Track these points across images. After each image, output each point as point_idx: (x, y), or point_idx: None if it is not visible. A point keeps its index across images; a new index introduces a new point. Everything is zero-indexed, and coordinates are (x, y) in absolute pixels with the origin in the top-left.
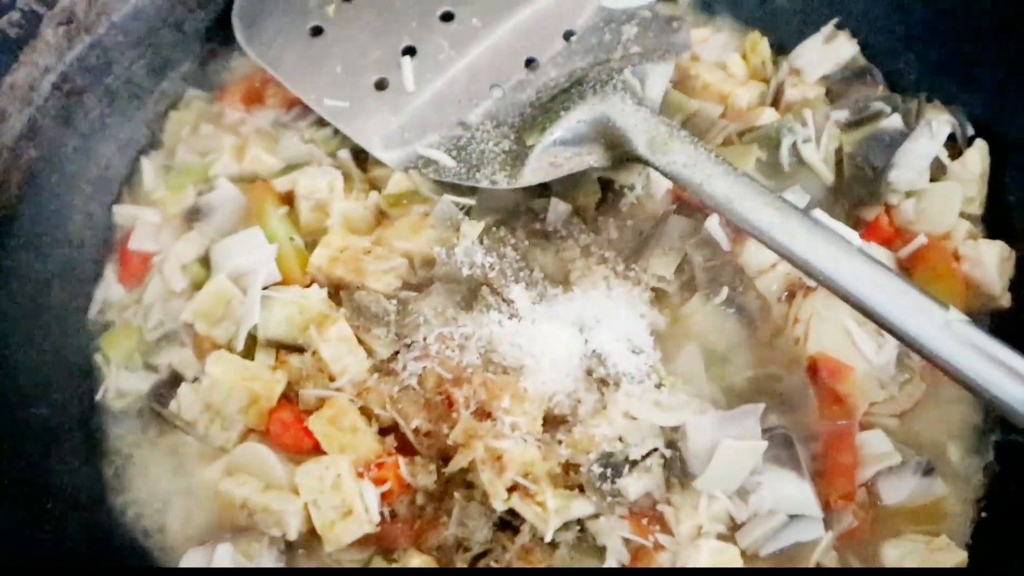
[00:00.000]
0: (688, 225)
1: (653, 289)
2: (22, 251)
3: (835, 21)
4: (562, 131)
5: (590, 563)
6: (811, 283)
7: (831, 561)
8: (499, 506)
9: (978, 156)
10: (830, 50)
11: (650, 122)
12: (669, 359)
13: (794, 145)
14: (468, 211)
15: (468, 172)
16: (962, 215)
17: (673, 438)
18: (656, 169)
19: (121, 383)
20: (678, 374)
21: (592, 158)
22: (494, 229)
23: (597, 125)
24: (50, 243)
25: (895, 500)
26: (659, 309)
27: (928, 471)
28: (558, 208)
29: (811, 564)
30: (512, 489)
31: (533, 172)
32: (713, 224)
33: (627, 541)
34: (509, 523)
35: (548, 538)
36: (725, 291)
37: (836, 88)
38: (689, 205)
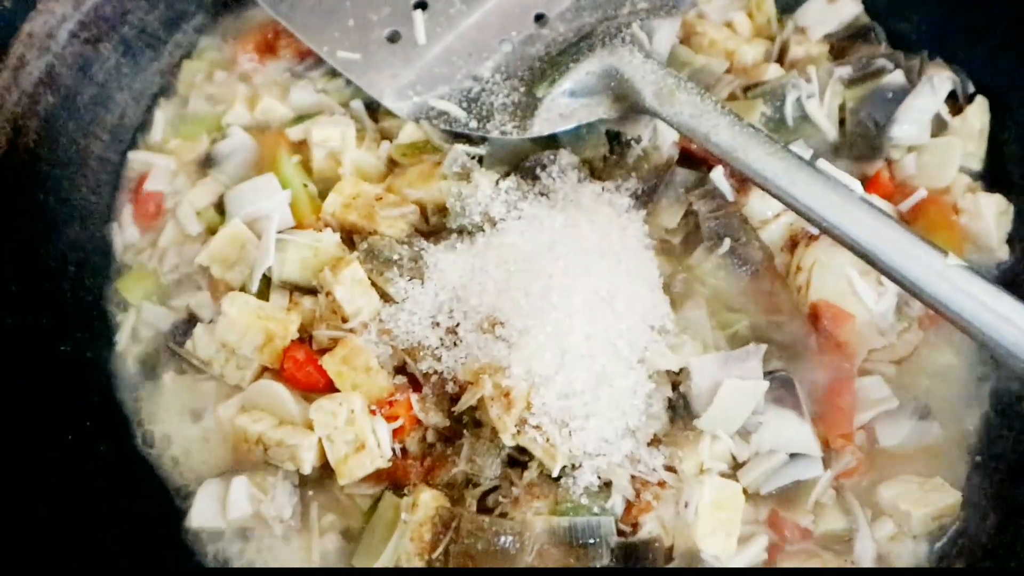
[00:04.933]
0: (693, 177)
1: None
2: (40, 194)
3: None
4: (571, 83)
5: (596, 498)
6: (813, 231)
7: (829, 500)
8: (508, 440)
9: (978, 112)
10: (834, 9)
11: (658, 73)
12: (675, 308)
13: (798, 100)
14: (479, 160)
15: (478, 123)
16: (962, 170)
17: (677, 379)
18: (663, 120)
19: (139, 323)
20: (683, 322)
21: (601, 109)
22: (505, 179)
23: (605, 77)
24: (68, 187)
25: (892, 443)
26: (664, 259)
27: (924, 415)
28: (566, 159)
29: (810, 502)
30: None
31: (543, 123)
32: (718, 175)
33: (632, 477)
34: (517, 460)
35: (555, 473)
36: (728, 241)
37: (839, 46)
38: (694, 157)
